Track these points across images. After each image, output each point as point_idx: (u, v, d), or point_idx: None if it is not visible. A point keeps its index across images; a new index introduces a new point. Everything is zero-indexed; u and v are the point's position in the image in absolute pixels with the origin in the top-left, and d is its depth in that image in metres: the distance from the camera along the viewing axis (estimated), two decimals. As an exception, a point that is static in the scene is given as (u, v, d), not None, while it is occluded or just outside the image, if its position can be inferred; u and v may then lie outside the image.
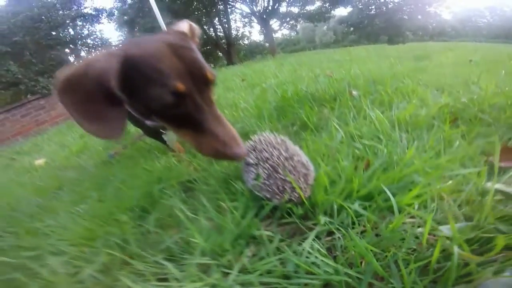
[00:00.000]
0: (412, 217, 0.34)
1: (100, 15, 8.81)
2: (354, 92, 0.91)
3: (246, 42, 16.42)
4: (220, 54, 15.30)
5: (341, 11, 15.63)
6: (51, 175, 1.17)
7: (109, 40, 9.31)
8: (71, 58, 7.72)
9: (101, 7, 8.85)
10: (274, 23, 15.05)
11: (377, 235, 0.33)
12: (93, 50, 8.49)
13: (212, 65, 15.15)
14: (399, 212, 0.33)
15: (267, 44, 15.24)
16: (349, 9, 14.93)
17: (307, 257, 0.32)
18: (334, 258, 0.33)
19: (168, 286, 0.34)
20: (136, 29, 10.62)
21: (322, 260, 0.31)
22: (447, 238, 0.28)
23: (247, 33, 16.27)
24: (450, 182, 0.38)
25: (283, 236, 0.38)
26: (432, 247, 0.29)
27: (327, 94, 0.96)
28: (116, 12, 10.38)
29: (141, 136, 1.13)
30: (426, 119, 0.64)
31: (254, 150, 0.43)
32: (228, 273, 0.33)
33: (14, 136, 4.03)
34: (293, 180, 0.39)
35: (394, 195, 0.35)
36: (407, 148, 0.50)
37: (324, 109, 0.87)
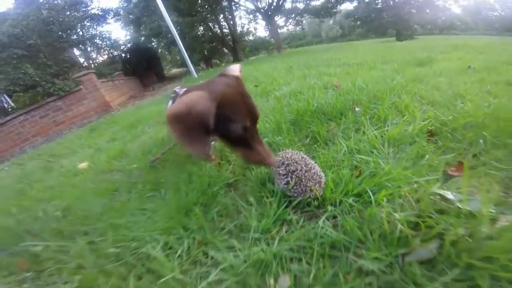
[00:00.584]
0: (383, 207, 0.55)
1: (107, 15, 9.06)
2: (357, 109, 1.10)
3: (251, 38, 16.48)
4: (226, 50, 15.43)
5: (347, 5, 15.37)
6: (102, 178, 1.34)
7: (117, 40, 9.59)
8: (82, 59, 8.05)
9: (107, 8, 9.11)
10: (279, 19, 14.99)
11: (362, 217, 0.55)
12: (102, 50, 8.78)
13: (218, 62, 15.35)
14: (376, 204, 0.54)
15: (272, 40, 15.24)
16: (355, 3, 14.68)
17: (322, 229, 0.54)
18: (337, 231, 0.54)
19: (233, 251, 0.56)
20: (141, 28, 10.82)
21: (330, 231, 0.53)
22: (399, 220, 0.49)
23: (252, 29, 16.31)
24: (415, 185, 0.59)
25: (304, 219, 0.60)
26: (391, 225, 0.51)
27: (335, 109, 1.16)
28: (122, 12, 10.60)
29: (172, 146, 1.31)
30: (410, 135, 0.83)
31: (283, 164, 0.64)
32: (272, 243, 0.56)
33: (34, 137, 4.33)
34: (312, 186, 0.61)
35: (373, 194, 0.57)
36: (391, 160, 0.70)
37: (332, 124, 1.07)
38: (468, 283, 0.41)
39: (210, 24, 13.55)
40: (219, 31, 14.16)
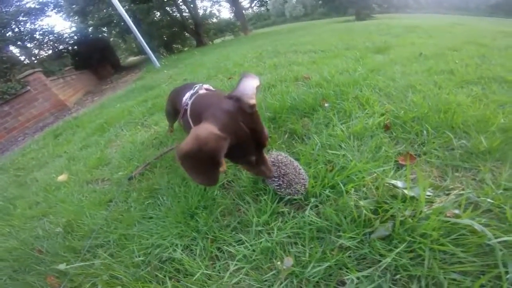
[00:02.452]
0: (351, 196, 0.72)
1: (46, 8, 7.99)
2: (326, 104, 1.26)
3: (215, 20, 15.73)
4: (187, 35, 14.58)
5: None
6: (89, 189, 1.33)
7: (62, 33, 8.56)
8: (23, 58, 7.09)
9: (44, 0, 7.98)
10: (244, 1, 14.48)
11: (337, 205, 0.71)
12: (45, 46, 7.80)
13: (181, 47, 14.49)
14: (346, 194, 0.71)
15: (238, 22, 14.76)
16: None
17: (308, 217, 0.69)
18: (320, 218, 0.70)
19: (242, 243, 0.69)
20: (88, 18, 9.74)
21: (315, 219, 0.68)
22: (363, 206, 0.66)
23: (216, 12, 15.53)
24: (375, 175, 0.77)
25: (294, 210, 0.75)
26: (358, 211, 0.68)
27: (307, 105, 1.30)
28: (63, 3, 9.36)
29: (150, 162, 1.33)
30: (370, 128, 1.02)
31: (274, 166, 0.76)
32: (272, 233, 0.69)
33: (-15, 148, 3.87)
34: (299, 188, 0.75)
35: (344, 185, 0.73)
36: (356, 152, 0.87)
37: (306, 120, 1.22)
38: (414, 253, 0.58)
39: (168, 8, 12.55)
40: (178, 15, 13.22)
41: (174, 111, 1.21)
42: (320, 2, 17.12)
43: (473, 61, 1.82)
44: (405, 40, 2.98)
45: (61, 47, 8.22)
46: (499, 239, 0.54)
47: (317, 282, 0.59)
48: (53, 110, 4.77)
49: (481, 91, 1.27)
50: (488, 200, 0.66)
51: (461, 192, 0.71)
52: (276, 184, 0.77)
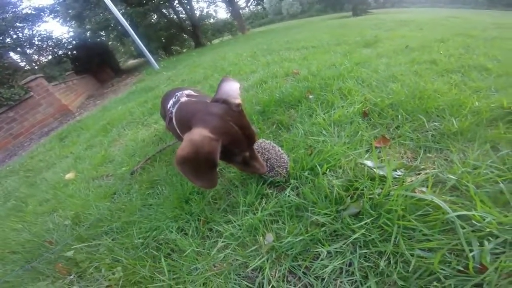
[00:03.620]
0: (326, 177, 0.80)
1: (42, 13, 8.12)
2: (310, 96, 1.33)
3: (212, 21, 15.79)
4: (185, 36, 14.67)
5: None
6: (95, 185, 1.42)
7: (60, 38, 8.70)
8: (24, 64, 7.24)
9: (40, 5, 8.12)
10: (240, 0, 14.53)
11: (314, 185, 0.79)
12: (44, 51, 7.93)
13: (179, 48, 14.59)
14: (322, 175, 0.78)
15: (235, 22, 14.81)
16: None
17: (288, 197, 0.77)
18: (298, 197, 0.77)
19: (230, 223, 0.77)
20: (85, 22, 9.88)
21: (294, 198, 0.76)
22: (336, 185, 0.74)
23: (212, 12, 15.59)
24: (350, 157, 0.84)
25: (276, 191, 0.83)
26: (331, 189, 0.75)
27: (293, 98, 1.37)
28: (59, 8, 9.50)
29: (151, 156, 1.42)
30: (350, 116, 1.09)
31: (258, 153, 0.84)
32: (257, 212, 0.77)
33: (-8, 153, 3.99)
34: (280, 170, 0.82)
35: (321, 167, 0.80)
36: (335, 138, 0.95)
37: (292, 111, 1.29)
38: (382, 230, 0.63)
39: (165, 11, 12.64)
40: (175, 17, 13.31)
41: (165, 113, 1.26)
42: (316, -1, 17.10)
43: (458, 51, 1.87)
44: (396, 33, 3.03)
45: (60, 52, 8.35)
46: (457, 213, 0.59)
47: (295, 256, 0.66)
48: (57, 115, 4.90)
49: (460, 78, 1.34)
50: (453, 177, 0.71)
51: (432, 171, 0.77)
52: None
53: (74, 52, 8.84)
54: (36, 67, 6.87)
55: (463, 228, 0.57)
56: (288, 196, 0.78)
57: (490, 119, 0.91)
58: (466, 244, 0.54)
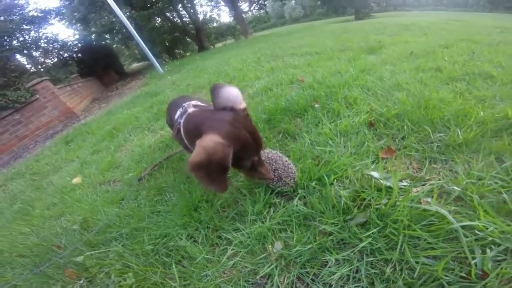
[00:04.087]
0: (333, 187, 0.81)
1: (48, 16, 8.27)
2: (316, 105, 1.35)
3: (215, 25, 15.95)
4: (189, 40, 14.82)
5: None
6: (102, 190, 1.44)
7: (66, 41, 8.84)
8: (29, 66, 7.36)
9: (47, 8, 8.23)
10: (243, 4, 14.70)
11: (321, 195, 0.80)
12: (50, 54, 8.04)
13: (183, 52, 14.75)
14: (329, 185, 0.80)
15: (238, 26, 14.95)
16: None
17: (296, 206, 0.78)
18: (306, 207, 0.79)
19: (239, 231, 0.79)
20: (90, 25, 10.05)
21: (301, 207, 0.77)
22: (343, 196, 0.75)
23: (215, 16, 15.76)
24: (356, 168, 0.86)
25: (284, 201, 0.84)
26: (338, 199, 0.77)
27: (299, 106, 1.39)
28: (65, 11, 9.67)
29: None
30: (356, 126, 1.10)
31: (266, 163, 0.86)
32: (265, 221, 0.79)
33: (-3, 155, 4.05)
34: (288, 180, 0.84)
35: (328, 177, 0.82)
36: (341, 148, 0.96)
37: (298, 119, 1.31)
38: (388, 239, 0.65)
39: (168, 14, 12.82)
40: (179, 20, 13.49)
41: (172, 122, 1.25)
42: (318, 2, 17.23)
43: (462, 58, 1.88)
44: (399, 39, 3.04)
45: (66, 55, 8.46)
46: (461, 224, 0.60)
47: (303, 264, 0.68)
48: (62, 118, 4.97)
49: (465, 87, 1.35)
50: (457, 188, 0.72)
51: (437, 182, 0.79)
52: (268, 178, 0.86)
53: (79, 55, 8.97)
54: (41, 70, 6.96)
55: (466, 237, 0.59)
56: (296, 205, 0.80)
57: (495, 130, 0.92)
58: (469, 252, 0.56)
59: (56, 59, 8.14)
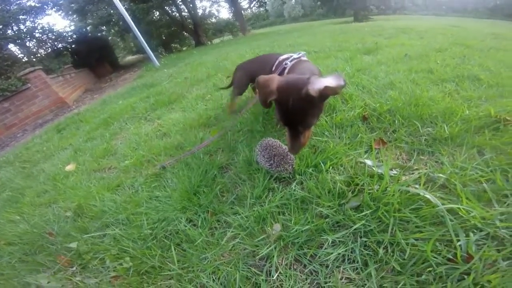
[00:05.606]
0: (329, 173, 0.86)
1: (46, 6, 8.08)
2: (314, 100, 1.39)
3: (214, 20, 15.83)
4: (186, 34, 14.66)
5: None
6: (97, 177, 1.43)
7: (62, 31, 8.64)
8: (23, 55, 7.17)
9: None
10: (243, 1, 14.65)
11: (318, 181, 0.84)
12: (43, 44, 7.87)
13: (179, 46, 14.58)
14: (325, 171, 0.84)
15: (237, 23, 14.89)
16: None
17: (294, 191, 0.82)
18: (303, 191, 0.83)
19: (238, 214, 0.82)
20: (87, 16, 9.86)
21: (299, 192, 0.82)
22: (338, 181, 0.80)
23: (215, 12, 15.63)
24: (350, 156, 0.91)
25: (282, 186, 0.88)
26: (334, 184, 0.81)
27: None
28: (62, 1, 9.45)
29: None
30: (350, 119, 1.15)
31: (266, 149, 0.90)
32: (264, 205, 0.83)
33: (-17, 144, 3.94)
34: (287, 167, 0.88)
35: (324, 164, 0.86)
36: (336, 139, 1.01)
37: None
38: (378, 220, 0.70)
39: (167, 8, 12.66)
40: (177, 14, 13.33)
41: (249, 81, 1.47)
42: (318, 3, 17.34)
43: (454, 61, 1.96)
44: (396, 42, 3.11)
45: (60, 45, 8.30)
46: (445, 206, 0.66)
47: (301, 245, 0.71)
48: (52, 107, 4.87)
49: (454, 87, 1.42)
50: (442, 176, 0.78)
51: (424, 171, 0.84)
52: (268, 164, 0.90)
53: (74, 45, 8.79)
54: (34, 60, 6.81)
55: (451, 221, 0.64)
56: (294, 190, 0.83)
57: (478, 127, 0.99)
58: (454, 235, 0.61)
59: (49, 50, 7.97)
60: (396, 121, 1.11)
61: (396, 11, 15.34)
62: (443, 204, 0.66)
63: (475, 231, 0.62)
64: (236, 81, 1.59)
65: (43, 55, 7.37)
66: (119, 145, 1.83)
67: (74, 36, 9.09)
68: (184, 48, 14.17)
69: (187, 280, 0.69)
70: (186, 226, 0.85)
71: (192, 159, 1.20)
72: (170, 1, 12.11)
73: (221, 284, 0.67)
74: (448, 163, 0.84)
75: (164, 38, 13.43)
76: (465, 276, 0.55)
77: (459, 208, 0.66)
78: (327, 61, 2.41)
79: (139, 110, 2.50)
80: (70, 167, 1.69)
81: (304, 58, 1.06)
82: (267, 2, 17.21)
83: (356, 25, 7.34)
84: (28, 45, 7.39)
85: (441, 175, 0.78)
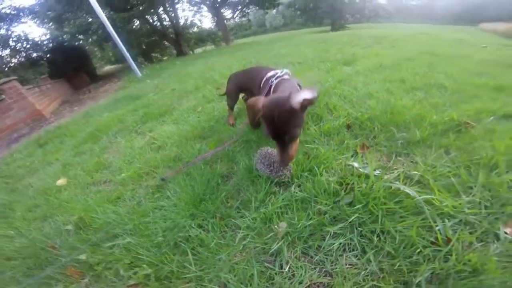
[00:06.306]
0: (323, 175, 0.97)
1: (21, 14, 7.74)
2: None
3: (196, 30, 15.91)
4: (167, 44, 14.58)
5: None
6: (93, 190, 1.44)
7: (37, 40, 8.29)
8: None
9: (21, 6, 7.73)
10: (226, 11, 14.92)
11: (313, 182, 0.95)
12: (17, 53, 7.50)
13: (160, 56, 14.41)
14: (320, 174, 0.96)
15: (219, 33, 15.09)
16: None
17: (295, 193, 0.93)
18: (302, 192, 0.94)
19: (245, 217, 0.91)
20: (64, 25, 9.55)
21: (299, 193, 0.92)
22: (332, 181, 0.91)
23: (197, 22, 15.71)
24: (339, 160, 1.03)
25: (283, 189, 0.99)
26: (329, 185, 0.92)
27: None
28: (39, 9, 9.09)
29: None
30: (336, 128, 1.29)
31: (265, 157, 1.00)
32: (268, 207, 0.91)
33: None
34: (286, 171, 0.98)
35: (318, 168, 0.98)
36: (325, 145, 1.14)
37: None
38: (369, 212, 0.81)
39: (148, 17, 12.58)
40: (159, 24, 13.28)
41: (239, 91, 1.64)
42: (298, 12, 18.09)
43: (422, 69, 2.20)
44: (371, 51, 3.39)
45: (35, 54, 7.92)
46: (422, 197, 0.80)
47: (306, 239, 0.81)
48: (28, 120, 4.64)
49: (423, 95, 1.62)
50: (417, 173, 0.92)
51: (402, 170, 0.98)
52: (268, 170, 1.00)
53: (50, 55, 8.42)
54: (6, 70, 6.43)
55: (429, 210, 0.77)
56: (294, 192, 0.94)
57: (444, 130, 1.16)
58: (433, 221, 0.74)
59: (24, 59, 7.58)
60: (376, 128, 1.27)
61: (370, 19, 16.29)
62: (420, 196, 0.80)
63: (449, 218, 0.75)
64: (228, 92, 1.71)
65: (18, 65, 6.99)
66: (112, 158, 1.82)
67: (50, 45, 8.71)
68: (164, 58, 14.06)
69: (207, 281, 0.76)
70: (198, 231, 0.91)
71: (193, 169, 1.26)
72: (152, 11, 12.06)
73: (239, 280, 0.74)
74: (421, 162, 0.99)
75: (144, 47, 13.25)
76: (449, 257, 0.67)
77: (433, 199, 0.79)
78: (310, 72, 2.59)
79: (128, 123, 2.49)
80: (61, 182, 1.67)
81: (287, 77, 1.19)
82: (250, 12, 17.65)
83: (334, 34, 7.78)
84: (1, 54, 6.97)
85: (416, 172, 0.93)
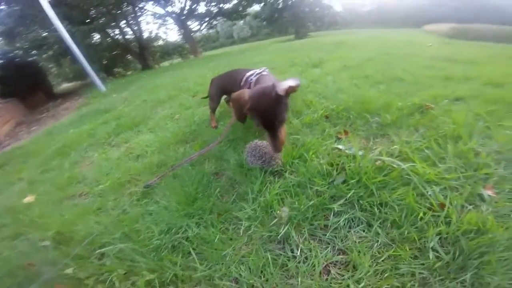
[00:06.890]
0: (313, 160, 1.03)
1: None
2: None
3: (161, 43, 15.62)
4: (130, 58, 14.06)
5: (256, 7, 16.53)
6: (68, 204, 1.35)
7: None
8: None
9: None
10: (193, 23, 14.88)
11: (306, 167, 1.00)
12: None
13: (123, 71, 13.76)
14: (310, 159, 1.02)
15: (187, 45, 14.98)
16: (262, 4, 15.81)
17: (290, 179, 0.96)
18: (297, 178, 0.98)
19: (244, 209, 0.91)
20: (16, 39, 8.76)
21: (294, 179, 0.96)
22: (323, 164, 0.97)
23: (162, 35, 15.45)
24: (325, 146, 1.10)
25: (276, 178, 1.01)
26: (321, 167, 0.98)
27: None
28: None
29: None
30: (316, 120, 1.38)
31: (256, 149, 1.02)
32: (266, 194, 0.93)
33: None
34: (278, 161, 1.02)
35: (308, 153, 1.04)
36: (309, 135, 1.21)
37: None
38: (364, 187, 0.86)
39: (110, 30, 12.06)
40: (121, 37, 12.79)
41: (221, 93, 1.68)
42: (264, 23, 18.78)
43: (382, 67, 2.46)
44: (335, 55, 3.68)
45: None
46: (406, 164, 0.88)
47: (310, 220, 0.81)
48: (-23, 146, 4.09)
49: (386, 87, 1.80)
50: (396, 147, 1.03)
51: (382, 147, 1.08)
52: (260, 161, 1.03)
53: (0, 72, 7.58)
54: None
55: (416, 178, 0.84)
56: (290, 178, 0.97)
57: (409, 113, 1.32)
58: (423, 188, 0.80)
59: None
60: (351, 116, 1.38)
61: (330, 27, 17.40)
62: (404, 165, 0.88)
63: (435, 184, 0.82)
64: (211, 94, 1.72)
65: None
66: (86, 172, 1.71)
67: (0, 61, 7.85)
68: (129, 73, 13.45)
69: (217, 279, 0.72)
70: (197, 229, 0.88)
71: (180, 171, 1.23)
72: (113, 24, 11.61)
73: (251, 273, 0.71)
74: (397, 140, 1.10)
75: (106, 62, 12.57)
76: (450, 220, 0.70)
77: (416, 168, 0.87)
78: (284, 75, 2.71)
79: (99, 136, 2.34)
80: (29, 199, 1.55)
81: (265, 73, 1.25)
82: (217, 24, 17.84)
83: (299, 42, 8.26)
84: None
85: (395, 147, 1.03)
